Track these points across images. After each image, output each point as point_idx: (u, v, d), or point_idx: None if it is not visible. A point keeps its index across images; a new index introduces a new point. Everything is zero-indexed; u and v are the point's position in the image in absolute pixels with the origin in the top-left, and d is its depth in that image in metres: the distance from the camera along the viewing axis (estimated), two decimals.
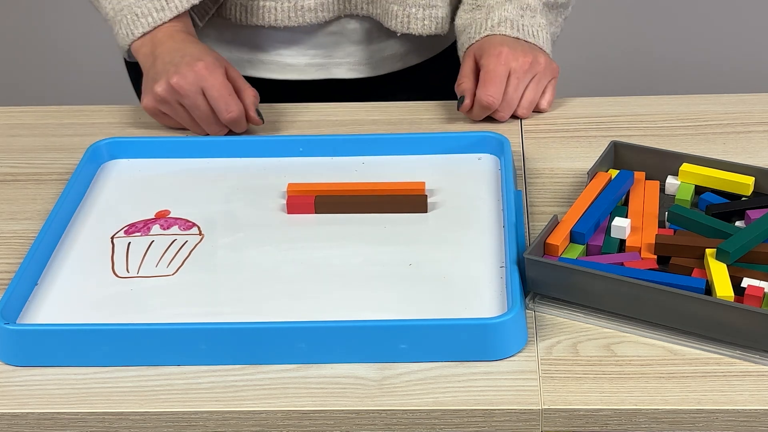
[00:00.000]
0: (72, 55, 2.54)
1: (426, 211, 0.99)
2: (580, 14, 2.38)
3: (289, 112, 1.19)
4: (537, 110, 1.18)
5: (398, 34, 1.23)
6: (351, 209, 0.99)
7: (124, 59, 1.35)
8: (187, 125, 1.13)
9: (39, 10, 2.51)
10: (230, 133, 1.13)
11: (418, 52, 1.31)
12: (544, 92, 1.17)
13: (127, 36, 1.14)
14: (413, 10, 1.19)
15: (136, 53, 1.15)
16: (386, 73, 1.30)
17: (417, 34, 1.21)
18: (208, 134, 1.12)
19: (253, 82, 1.22)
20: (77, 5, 2.42)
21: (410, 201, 0.99)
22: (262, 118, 1.12)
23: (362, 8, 1.22)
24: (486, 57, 1.13)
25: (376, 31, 1.26)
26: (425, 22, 1.20)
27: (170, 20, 1.14)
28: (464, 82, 1.14)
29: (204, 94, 1.09)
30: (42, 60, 2.56)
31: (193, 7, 1.20)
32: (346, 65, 1.28)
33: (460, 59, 1.19)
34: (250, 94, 1.12)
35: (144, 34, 1.13)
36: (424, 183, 1.02)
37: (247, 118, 1.12)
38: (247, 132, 1.14)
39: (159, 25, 1.13)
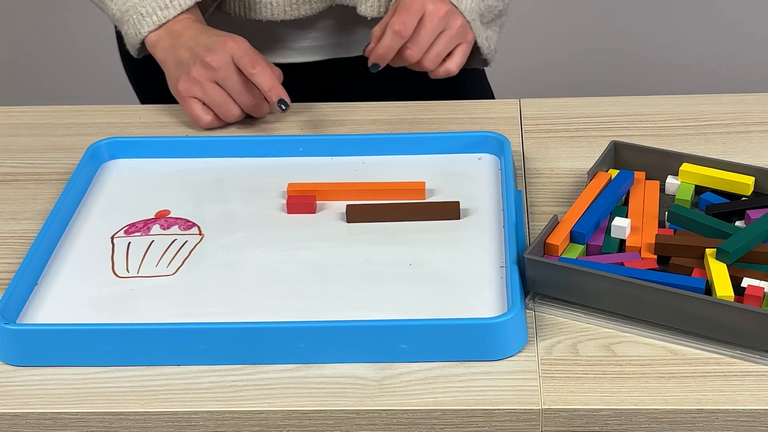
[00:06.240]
0: (72, 55, 2.54)
1: (459, 218, 0.98)
2: (581, 14, 2.39)
3: (288, 112, 1.19)
4: (447, 74, 1.16)
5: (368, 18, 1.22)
6: (383, 218, 0.98)
7: (122, 59, 1.34)
8: (217, 103, 1.12)
9: (39, 10, 2.51)
10: (247, 118, 1.14)
11: None
12: (453, 54, 1.15)
13: (136, 35, 1.15)
14: None
15: (153, 47, 1.15)
16: None
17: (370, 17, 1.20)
18: (235, 112, 1.12)
19: None
20: (77, 5, 2.42)
21: (443, 208, 0.98)
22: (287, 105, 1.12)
23: None
24: None
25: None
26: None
27: (180, 15, 1.14)
28: (377, 28, 1.15)
29: (235, 66, 1.10)
30: (42, 60, 2.56)
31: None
32: (348, 44, 1.30)
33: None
34: (277, 71, 1.14)
35: (155, 29, 1.14)
36: (424, 183, 1.02)
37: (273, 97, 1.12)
38: (244, 131, 1.14)
39: (164, 23, 1.14)
